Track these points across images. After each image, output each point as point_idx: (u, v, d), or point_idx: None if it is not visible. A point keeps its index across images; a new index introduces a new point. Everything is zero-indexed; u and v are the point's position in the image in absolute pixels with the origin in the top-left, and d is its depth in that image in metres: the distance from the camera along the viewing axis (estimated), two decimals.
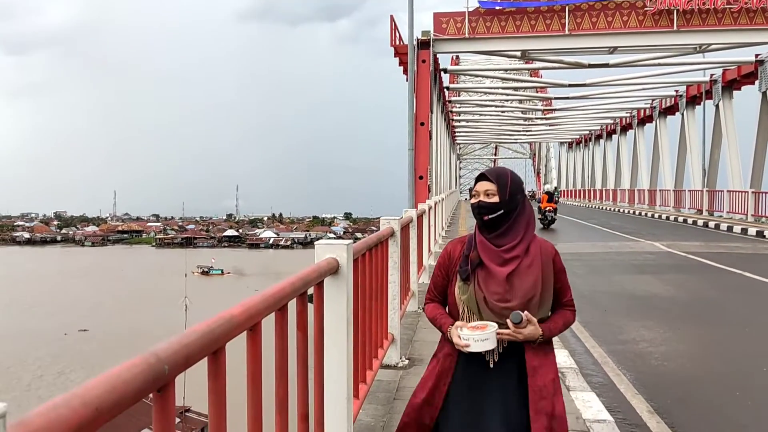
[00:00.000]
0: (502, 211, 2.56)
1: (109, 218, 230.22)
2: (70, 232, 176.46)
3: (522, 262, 2.53)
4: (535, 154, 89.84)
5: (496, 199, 2.57)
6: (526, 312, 2.51)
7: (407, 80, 18.29)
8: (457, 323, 2.60)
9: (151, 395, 1.35)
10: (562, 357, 5.81)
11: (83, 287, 72.07)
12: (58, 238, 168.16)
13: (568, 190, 59.78)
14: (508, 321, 2.48)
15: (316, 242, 3.17)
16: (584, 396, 4.84)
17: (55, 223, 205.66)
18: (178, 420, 36.63)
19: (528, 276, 2.52)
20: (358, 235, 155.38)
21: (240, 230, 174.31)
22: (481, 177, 2.66)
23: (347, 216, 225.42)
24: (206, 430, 26.75)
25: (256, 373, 1.95)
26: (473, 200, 2.65)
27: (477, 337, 2.50)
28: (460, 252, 2.68)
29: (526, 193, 3.22)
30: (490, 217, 2.56)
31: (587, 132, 54.62)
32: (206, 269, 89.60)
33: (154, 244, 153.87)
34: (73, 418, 0.99)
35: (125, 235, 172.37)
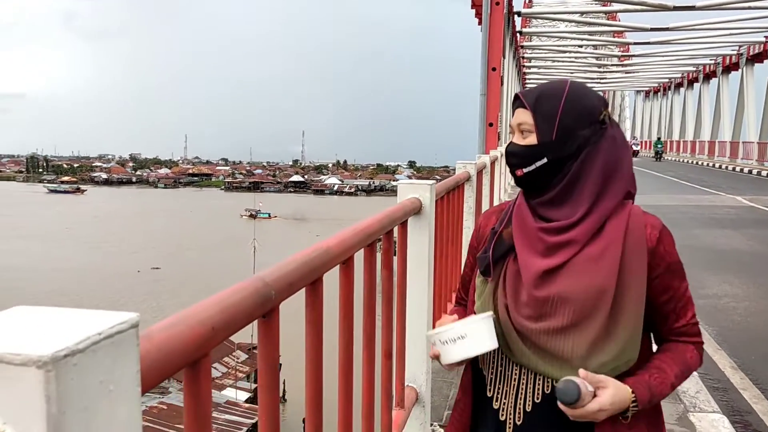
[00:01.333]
0: (545, 160, 1.46)
1: (181, 161, 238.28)
2: (144, 174, 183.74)
3: (583, 252, 1.43)
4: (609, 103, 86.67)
5: (533, 139, 1.48)
6: (583, 377, 1.38)
7: (479, 23, 17.73)
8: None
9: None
10: None
11: (156, 227, 75.16)
12: (133, 179, 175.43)
13: (642, 141, 57.53)
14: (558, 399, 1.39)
15: (399, 182, 3.13)
16: None
17: (131, 164, 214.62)
18: (245, 356, 38.33)
19: (591, 276, 1.41)
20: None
21: (305, 176, 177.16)
22: (516, 100, 1.55)
23: (411, 164, 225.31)
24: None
25: (348, 308, 1.93)
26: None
27: (444, 336, 1.52)
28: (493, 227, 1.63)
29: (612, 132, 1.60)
30: (525, 171, 1.49)
31: (666, 80, 52.04)
32: (254, 212, 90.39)
33: (222, 187, 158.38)
34: (191, 335, 0.99)
35: (195, 178, 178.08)
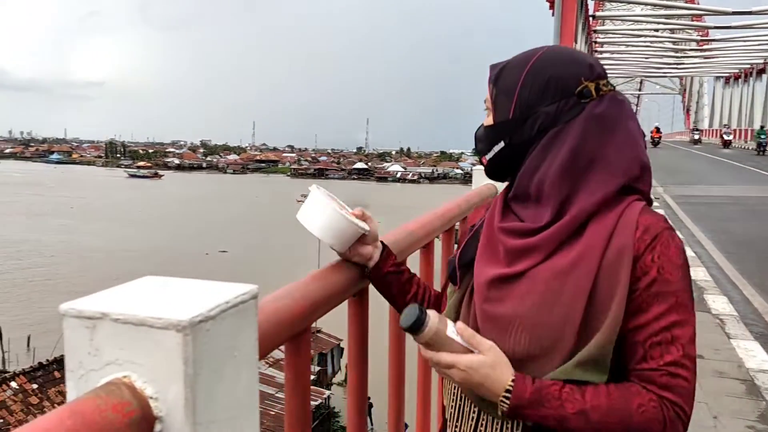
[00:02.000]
0: (502, 144, 1.22)
1: (249, 147, 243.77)
2: (214, 160, 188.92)
3: (547, 263, 1.11)
4: (685, 90, 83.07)
5: (491, 119, 1.25)
6: (459, 331, 1.10)
7: (551, 7, 17.32)
8: None
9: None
10: (721, 304, 5.46)
11: (224, 211, 77.26)
12: (204, 164, 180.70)
13: (738, 131, 54.85)
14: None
15: (474, 168, 3.13)
16: (746, 345, 4.55)
17: (201, 150, 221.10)
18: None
19: (554, 295, 1.08)
20: None
21: (369, 163, 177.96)
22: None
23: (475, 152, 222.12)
24: (335, 351, 28.48)
25: None
26: None
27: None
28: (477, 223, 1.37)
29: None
30: (488, 158, 1.26)
31: (748, 66, 49.44)
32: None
33: (288, 173, 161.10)
34: (296, 308, 1.06)
35: (263, 164, 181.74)
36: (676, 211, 11.72)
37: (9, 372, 21.63)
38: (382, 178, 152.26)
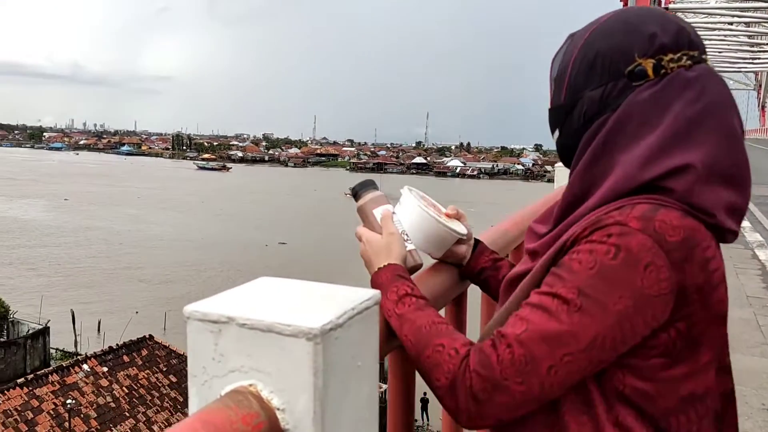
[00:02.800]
0: (557, 133, 1.07)
1: (310, 141, 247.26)
2: (276, 153, 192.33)
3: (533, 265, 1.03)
4: (761, 86, 79.30)
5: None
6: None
7: (625, 4, 16.75)
8: None
9: None
10: None
11: (284, 204, 78.51)
12: (266, 158, 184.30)
13: None
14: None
15: (556, 165, 3.00)
16: None
17: (264, 144, 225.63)
18: None
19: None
20: (548, 168, 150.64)
21: (428, 158, 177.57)
22: None
23: (537, 147, 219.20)
24: None
25: None
26: None
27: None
28: None
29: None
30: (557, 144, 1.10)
31: None
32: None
33: (348, 167, 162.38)
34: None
35: (323, 158, 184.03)
36: (754, 212, 11.17)
37: (81, 355, 22.60)
38: (441, 173, 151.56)
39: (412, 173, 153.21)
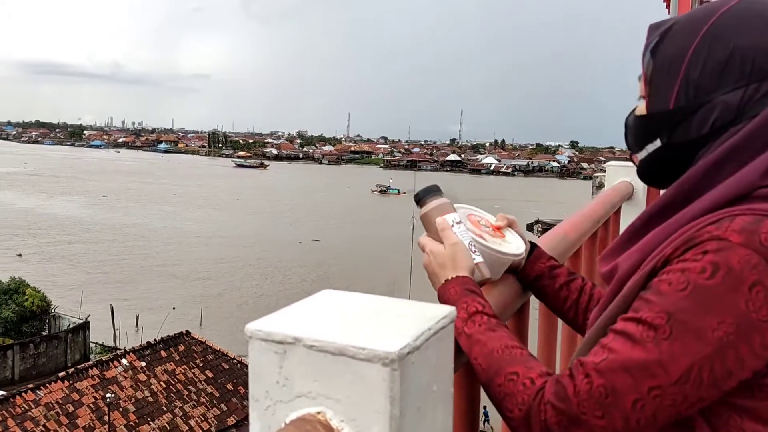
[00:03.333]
0: (658, 143, 0.93)
1: (343, 139, 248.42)
2: (310, 150, 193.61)
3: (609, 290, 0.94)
4: None
5: (643, 107, 0.95)
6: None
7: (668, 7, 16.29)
8: None
9: None
10: None
11: (317, 201, 78.95)
12: (300, 155, 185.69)
13: None
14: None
15: (607, 164, 2.86)
16: None
17: (298, 141, 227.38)
18: None
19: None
20: (584, 165, 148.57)
21: (462, 155, 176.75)
22: None
23: (573, 144, 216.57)
24: None
25: None
26: None
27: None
28: None
29: None
30: (639, 158, 0.98)
31: None
32: (384, 188, 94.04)
33: (381, 165, 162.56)
34: None
35: (356, 156, 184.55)
36: None
37: (120, 349, 23.02)
38: (475, 171, 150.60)
39: (446, 170, 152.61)
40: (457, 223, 1.07)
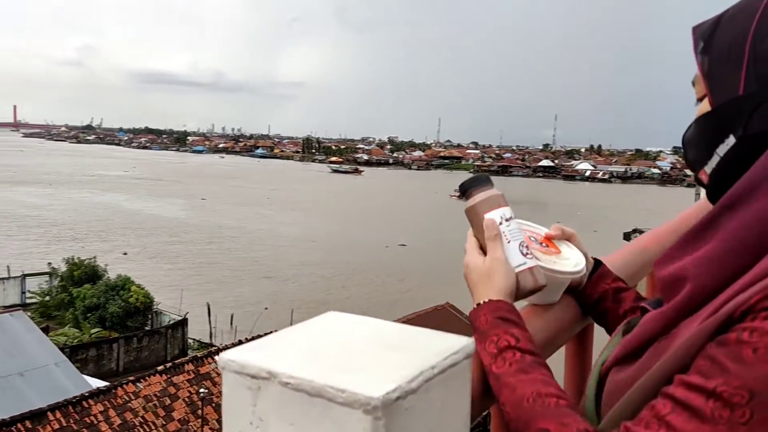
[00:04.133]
0: (732, 139, 0.75)
1: (433, 144, 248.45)
2: (400, 156, 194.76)
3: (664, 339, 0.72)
4: None
5: (706, 105, 0.79)
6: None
7: None
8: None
9: None
10: None
11: (407, 206, 79.14)
12: (390, 160, 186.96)
13: None
14: None
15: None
16: None
17: (388, 147, 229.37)
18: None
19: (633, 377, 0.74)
20: (688, 172, 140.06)
21: (555, 161, 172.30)
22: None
23: (676, 150, 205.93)
24: None
25: None
26: None
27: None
28: None
29: None
30: (709, 172, 0.79)
31: None
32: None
33: (471, 170, 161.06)
34: None
35: (446, 161, 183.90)
36: None
37: (215, 346, 23.92)
38: (569, 177, 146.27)
39: (539, 176, 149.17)
40: (507, 220, 0.93)
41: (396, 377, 0.45)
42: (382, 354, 0.49)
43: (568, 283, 0.97)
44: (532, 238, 1.01)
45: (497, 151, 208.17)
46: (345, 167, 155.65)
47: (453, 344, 0.51)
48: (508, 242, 0.91)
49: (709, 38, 0.77)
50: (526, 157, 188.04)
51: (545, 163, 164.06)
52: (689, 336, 0.64)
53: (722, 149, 0.75)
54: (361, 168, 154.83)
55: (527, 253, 0.91)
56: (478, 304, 0.87)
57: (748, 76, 0.72)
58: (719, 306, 0.63)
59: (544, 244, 1.01)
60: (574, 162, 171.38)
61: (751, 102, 0.71)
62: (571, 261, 0.98)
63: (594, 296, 1.00)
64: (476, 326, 0.84)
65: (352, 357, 0.48)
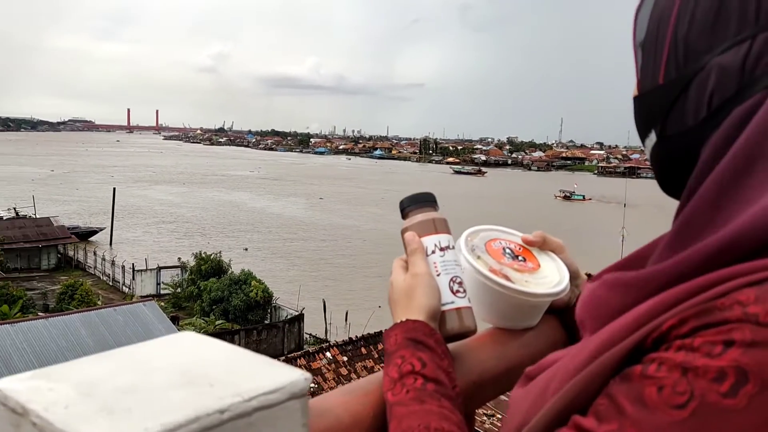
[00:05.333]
0: (653, 137, 0.64)
1: (555, 144, 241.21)
2: (519, 156, 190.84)
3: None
4: None
5: (636, 89, 0.66)
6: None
7: None
8: None
9: None
10: None
11: (522, 206, 77.25)
12: (509, 161, 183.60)
13: None
14: None
15: None
16: None
17: (507, 147, 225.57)
18: None
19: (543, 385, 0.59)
20: None
21: None
22: None
23: None
24: None
25: None
26: None
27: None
28: None
29: None
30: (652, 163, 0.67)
31: None
32: (568, 194, 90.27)
33: (595, 171, 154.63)
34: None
35: (568, 162, 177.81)
36: None
37: (328, 342, 24.58)
38: None
39: None
40: (442, 249, 0.81)
41: (154, 425, 0.38)
42: (172, 391, 0.41)
43: (546, 306, 0.83)
44: (507, 250, 0.87)
45: (624, 152, 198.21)
46: (467, 168, 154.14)
47: (274, 381, 0.43)
48: (438, 275, 0.79)
49: (638, 11, 0.65)
50: None
51: None
52: (597, 363, 0.51)
53: (648, 144, 0.65)
54: (484, 169, 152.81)
55: (458, 291, 0.79)
56: (395, 324, 0.77)
57: (668, 62, 0.60)
58: (634, 324, 0.50)
59: (520, 258, 0.87)
60: None
61: (668, 94, 0.59)
62: (549, 279, 0.83)
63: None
64: (385, 348, 0.75)
65: (130, 394, 0.41)
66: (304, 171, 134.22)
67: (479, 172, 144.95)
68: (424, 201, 0.87)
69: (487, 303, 0.84)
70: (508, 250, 0.87)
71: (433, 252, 0.81)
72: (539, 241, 0.88)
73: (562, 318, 0.87)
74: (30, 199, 52.25)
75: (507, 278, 0.82)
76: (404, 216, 0.88)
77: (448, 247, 0.82)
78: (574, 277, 0.87)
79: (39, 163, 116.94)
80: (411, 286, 0.79)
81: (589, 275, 0.88)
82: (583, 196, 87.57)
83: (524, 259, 0.86)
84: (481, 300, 0.83)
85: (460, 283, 0.80)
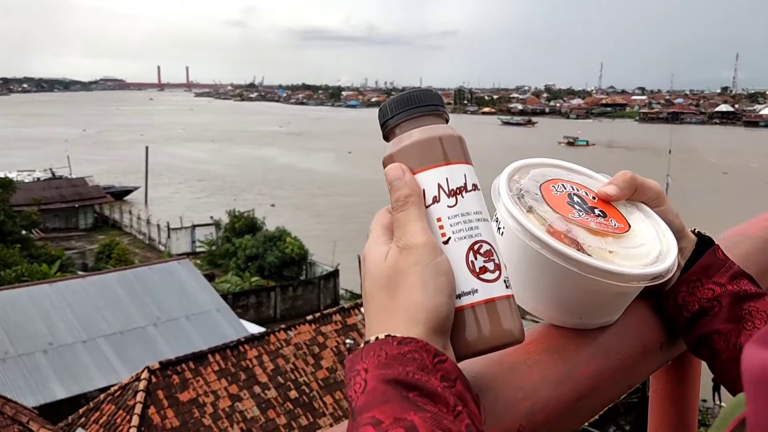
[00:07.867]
0: None
1: (594, 91, 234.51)
2: (557, 105, 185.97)
3: None
4: None
5: None
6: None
7: None
8: None
9: None
10: None
11: (517, 157, 75.43)
12: (546, 110, 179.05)
13: None
14: None
15: None
16: None
17: (545, 95, 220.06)
18: None
19: None
20: None
21: (735, 105, 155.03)
22: None
23: None
24: None
25: None
26: None
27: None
28: None
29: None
30: None
31: None
32: (572, 140, 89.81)
33: (637, 118, 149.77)
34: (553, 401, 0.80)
35: (608, 109, 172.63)
36: None
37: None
38: (752, 123, 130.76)
39: (715, 123, 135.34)
40: (456, 192, 0.48)
41: None
42: None
43: (637, 293, 0.53)
44: (575, 198, 0.55)
45: (667, 97, 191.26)
46: (517, 119, 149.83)
47: None
48: (446, 242, 0.48)
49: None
50: (701, 102, 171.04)
51: (723, 108, 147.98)
52: None
53: None
54: (534, 119, 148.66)
55: (486, 268, 0.47)
56: (367, 343, 0.48)
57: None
58: None
59: (598, 211, 0.54)
60: (758, 106, 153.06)
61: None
62: (646, 249, 0.52)
63: (693, 309, 0.53)
64: (348, 395, 0.45)
65: None
66: (334, 126, 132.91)
67: (529, 123, 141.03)
68: (420, 104, 0.51)
69: (541, 288, 0.53)
70: (577, 199, 0.54)
71: (438, 200, 0.48)
72: (625, 191, 0.56)
73: (655, 304, 0.57)
74: (65, 160, 52.70)
75: (579, 247, 0.50)
76: (387, 136, 0.54)
77: (464, 188, 0.48)
78: (678, 238, 0.56)
79: (71, 123, 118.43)
80: (396, 270, 0.48)
81: (700, 236, 0.58)
82: (587, 142, 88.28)
83: (604, 214, 0.53)
84: (532, 283, 0.53)
85: (489, 254, 0.47)
